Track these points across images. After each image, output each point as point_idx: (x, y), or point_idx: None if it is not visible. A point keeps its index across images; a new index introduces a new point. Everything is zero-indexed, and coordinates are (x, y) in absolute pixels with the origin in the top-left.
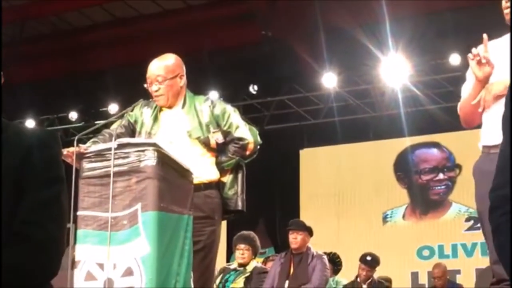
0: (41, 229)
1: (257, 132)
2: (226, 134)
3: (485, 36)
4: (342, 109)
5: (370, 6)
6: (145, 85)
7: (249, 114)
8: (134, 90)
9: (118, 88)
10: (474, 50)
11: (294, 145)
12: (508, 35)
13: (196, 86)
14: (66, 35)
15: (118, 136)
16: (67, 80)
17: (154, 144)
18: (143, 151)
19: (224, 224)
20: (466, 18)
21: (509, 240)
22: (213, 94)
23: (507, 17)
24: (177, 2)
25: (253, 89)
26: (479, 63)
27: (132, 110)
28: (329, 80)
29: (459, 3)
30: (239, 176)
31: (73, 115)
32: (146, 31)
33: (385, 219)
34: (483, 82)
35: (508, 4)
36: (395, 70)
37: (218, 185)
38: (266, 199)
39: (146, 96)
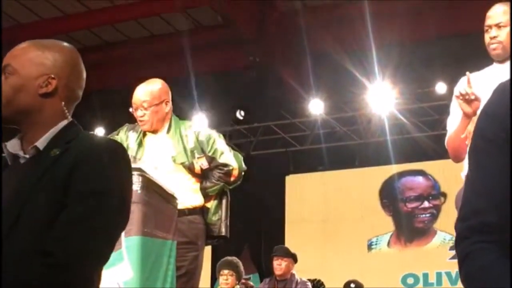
0: (65, 247)
1: (242, 158)
2: (211, 160)
3: (468, 73)
4: (329, 135)
5: (357, 33)
6: (131, 110)
7: (235, 139)
8: (121, 114)
9: (104, 111)
10: (461, 89)
11: (280, 171)
12: (489, 68)
13: (183, 110)
14: None
15: None
16: None
17: (138, 169)
18: None
19: (208, 249)
20: (452, 47)
21: (480, 267)
22: (200, 119)
23: (493, 52)
24: (165, 27)
25: (240, 114)
26: (467, 100)
27: (117, 134)
28: (316, 106)
29: (445, 31)
30: (223, 202)
31: None
32: (134, 55)
33: (370, 246)
34: (471, 116)
35: (495, 35)
36: (381, 97)
37: (202, 211)
38: (252, 225)
39: (133, 119)
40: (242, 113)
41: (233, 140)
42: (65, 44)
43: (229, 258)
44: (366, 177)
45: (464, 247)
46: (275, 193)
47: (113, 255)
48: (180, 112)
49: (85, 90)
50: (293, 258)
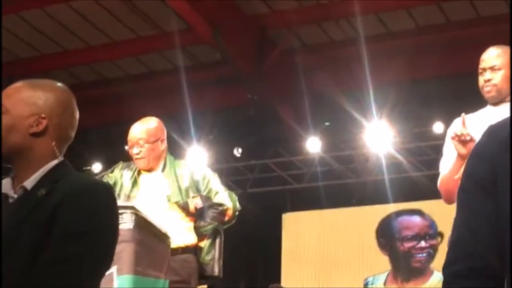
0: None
1: (237, 198)
2: (205, 199)
3: (463, 114)
4: (326, 173)
5: (354, 73)
6: (126, 147)
7: (233, 176)
8: (118, 150)
9: (102, 147)
10: (457, 130)
11: (277, 208)
12: (483, 110)
13: (181, 147)
14: None
15: None
16: None
17: (132, 207)
18: (120, 214)
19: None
20: (450, 86)
21: None
22: (198, 156)
23: (487, 95)
24: (164, 63)
25: (237, 151)
26: (463, 141)
27: (111, 172)
28: (313, 144)
29: (443, 71)
30: (217, 241)
31: None
32: (132, 91)
33: (366, 285)
34: (466, 157)
35: (489, 78)
36: (379, 136)
37: (195, 250)
38: (248, 262)
39: (130, 156)
40: (240, 150)
41: (230, 177)
42: (58, 84)
43: None
44: (363, 216)
45: None
46: (272, 231)
47: None
48: (178, 149)
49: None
50: None
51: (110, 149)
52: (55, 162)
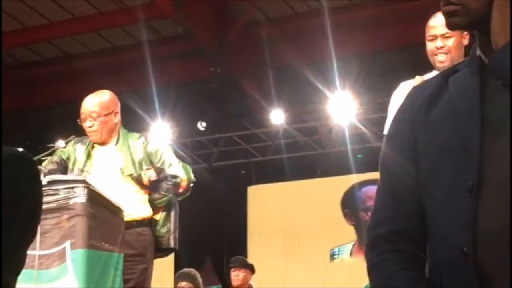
0: None
1: (191, 170)
2: (159, 171)
3: (417, 77)
4: (290, 146)
5: (317, 45)
6: (78, 121)
7: (197, 150)
8: (81, 126)
9: (64, 124)
10: None
11: (242, 182)
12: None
13: (144, 122)
14: (14, 70)
15: (50, 172)
16: (14, 116)
17: (83, 181)
18: (72, 188)
19: (171, 260)
20: (411, 56)
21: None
22: (162, 130)
23: (439, 64)
24: (127, 38)
25: (201, 125)
26: None
27: (64, 147)
28: (277, 117)
29: (404, 41)
30: (172, 213)
31: None
32: (95, 66)
33: (332, 256)
34: None
35: (441, 45)
36: (342, 107)
37: (150, 223)
38: (214, 236)
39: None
40: (204, 124)
41: (194, 151)
42: None
43: (186, 270)
44: (328, 187)
45: (371, 257)
46: (237, 204)
47: (58, 269)
48: (143, 124)
49: (46, 103)
50: (250, 269)
51: (73, 126)
52: None
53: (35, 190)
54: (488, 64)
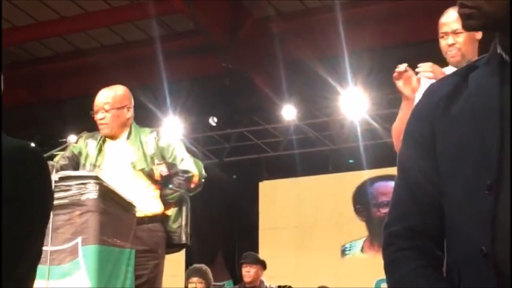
0: None
1: (202, 165)
2: (170, 166)
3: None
4: (302, 141)
5: (329, 40)
6: (91, 112)
7: (208, 146)
8: (93, 121)
9: (77, 119)
10: (399, 67)
11: (253, 177)
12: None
13: (155, 117)
14: (26, 64)
15: (62, 168)
16: (26, 110)
17: (95, 177)
18: (84, 184)
19: (182, 256)
20: (423, 52)
21: (400, 277)
22: (173, 125)
23: (452, 60)
24: (139, 33)
25: (213, 121)
26: (406, 80)
27: (76, 142)
28: (289, 112)
29: (416, 37)
30: (184, 209)
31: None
32: (107, 61)
33: (343, 252)
34: (413, 99)
35: (453, 42)
36: (354, 103)
37: (162, 218)
38: (225, 232)
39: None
40: (215, 119)
41: (206, 147)
42: None
43: (197, 265)
44: (340, 183)
45: (388, 254)
46: (249, 199)
47: (70, 265)
48: (154, 119)
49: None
50: (262, 265)
51: (85, 120)
52: None
53: (42, 181)
54: (509, 62)
